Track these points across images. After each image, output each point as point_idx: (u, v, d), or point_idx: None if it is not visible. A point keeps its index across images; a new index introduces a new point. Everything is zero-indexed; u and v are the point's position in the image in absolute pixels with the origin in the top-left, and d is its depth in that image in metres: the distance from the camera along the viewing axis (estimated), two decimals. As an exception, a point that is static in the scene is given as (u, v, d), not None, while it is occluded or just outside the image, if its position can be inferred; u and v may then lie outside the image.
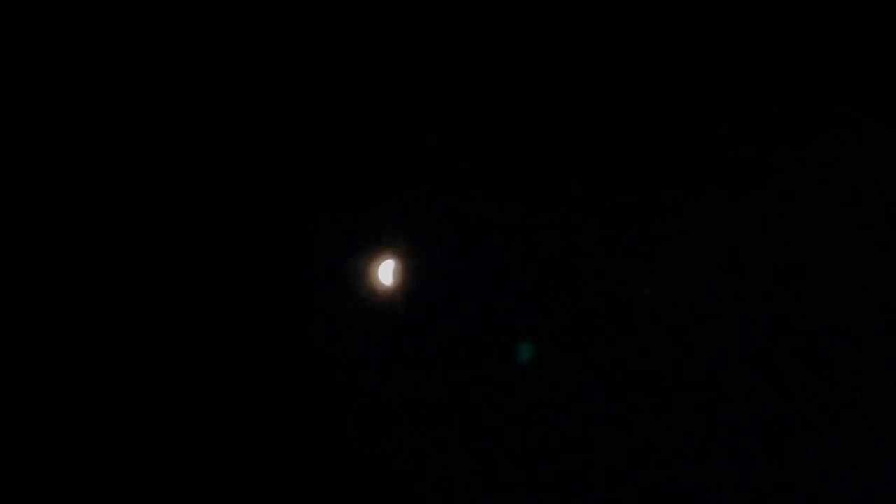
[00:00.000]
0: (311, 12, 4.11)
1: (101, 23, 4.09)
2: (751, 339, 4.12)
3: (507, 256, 4.20)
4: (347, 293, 4.17)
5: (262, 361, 4.11)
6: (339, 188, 4.17)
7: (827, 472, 4.04)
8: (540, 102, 4.18)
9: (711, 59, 4.16)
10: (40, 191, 4.05)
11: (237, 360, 4.09)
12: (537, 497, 4.14)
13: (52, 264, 4.04)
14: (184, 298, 4.07)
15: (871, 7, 4.05)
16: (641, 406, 4.13)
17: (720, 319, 4.14)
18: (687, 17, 4.14)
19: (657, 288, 4.17)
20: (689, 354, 4.13)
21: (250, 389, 4.09)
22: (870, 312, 4.05)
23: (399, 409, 4.17)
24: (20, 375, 4.01)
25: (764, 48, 4.12)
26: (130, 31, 4.07)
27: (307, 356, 4.13)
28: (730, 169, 4.16)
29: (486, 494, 4.15)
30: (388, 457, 4.14)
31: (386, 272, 4.20)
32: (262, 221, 4.15)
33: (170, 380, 4.04)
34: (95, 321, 4.04)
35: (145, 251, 4.07)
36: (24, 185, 4.06)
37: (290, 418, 4.11)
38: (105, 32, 4.08)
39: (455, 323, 4.18)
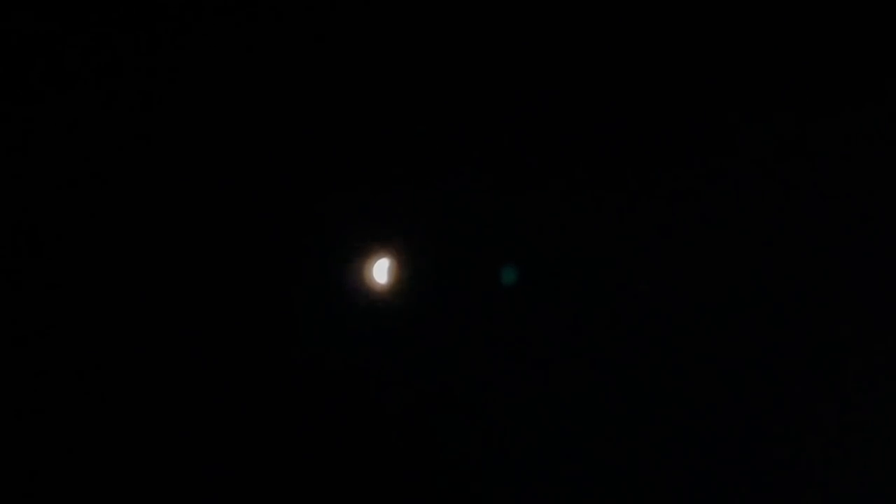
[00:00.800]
0: (301, 6, 4.10)
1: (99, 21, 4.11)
2: (749, 335, 4.08)
3: (503, 254, 4.18)
4: (341, 292, 4.17)
5: (256, 360, 4.12)
6: (334, 185, 4.16)
7: (826, 471, 4.00)
8: (533, 96, 4.14)
9: (710, 52, 4.10)
10: (30, 189, 4.08)
11: (230, 359, 4.10)
12: (535, 495, 4.13)
13: (34, 258, 4.08)
14: (175, 296, 4.08)
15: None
16: (642, 406, 4.10)
17: (718, 315, 4.10)
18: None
19: (655, 283, 4.14)
20: (687, 351, 4.10)
21: (243, 388, 4.11)
22: (870, 309, 3.99)
23: (396, 408, 4.18)
24: (19, 375, 4.06)
25: (762, 41, 4.06)
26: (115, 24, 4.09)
27: (301, 355, 4.14)
28: (729, 164, 4.12)
29: (483, 493, 4.14)
30: (383, 457, 4.15)
31: (380, 271, 4.18)
32: (255, 218, 4.15)
33: (161, 377, 4.06)
34: (88, 321, 4.07)
35: (135, 247, 4.08)
36: (21, 184, 4.09)
37: (284, 418, 4.12)
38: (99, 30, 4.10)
39: (450, 323, 4.17)
